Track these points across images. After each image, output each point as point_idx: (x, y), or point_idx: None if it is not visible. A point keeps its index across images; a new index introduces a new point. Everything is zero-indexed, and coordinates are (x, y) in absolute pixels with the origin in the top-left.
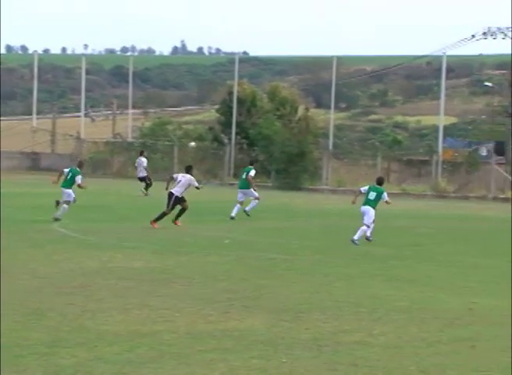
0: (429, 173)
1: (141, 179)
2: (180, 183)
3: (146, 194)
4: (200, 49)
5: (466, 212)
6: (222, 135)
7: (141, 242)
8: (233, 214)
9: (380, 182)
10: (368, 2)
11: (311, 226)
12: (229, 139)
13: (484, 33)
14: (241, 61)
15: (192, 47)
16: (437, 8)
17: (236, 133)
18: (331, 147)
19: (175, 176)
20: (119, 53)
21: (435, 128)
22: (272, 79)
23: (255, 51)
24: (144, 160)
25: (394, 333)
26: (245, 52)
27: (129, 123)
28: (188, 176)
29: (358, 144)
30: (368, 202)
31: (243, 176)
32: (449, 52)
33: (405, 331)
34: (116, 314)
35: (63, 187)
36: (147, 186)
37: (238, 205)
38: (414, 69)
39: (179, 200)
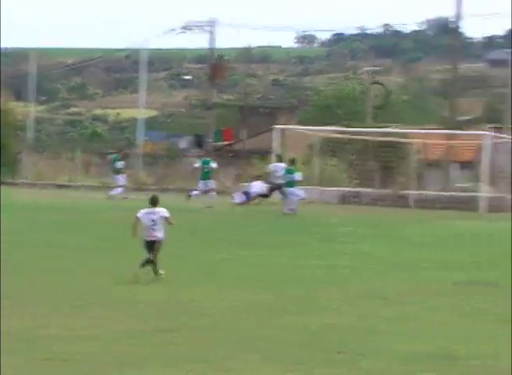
0: (130, 166)
1: None
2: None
3: None
4: None
5: (166, 204)
6: None
7: None
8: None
9: (292, 162)
10: None
11: (13, 220)
12: None
13: (183, 28)
14: None
15: None
16: (136, 1)
17: None
18: (30, 140)
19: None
20: None
21: (135, 121)
22: None
23: None
24: None
25: (96, 327)
26: None
27: None
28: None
29: (58, 137)
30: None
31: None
32: (149, 45)
33: (106, 323)
34: None
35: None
36: None
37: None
38: (114, 62)
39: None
